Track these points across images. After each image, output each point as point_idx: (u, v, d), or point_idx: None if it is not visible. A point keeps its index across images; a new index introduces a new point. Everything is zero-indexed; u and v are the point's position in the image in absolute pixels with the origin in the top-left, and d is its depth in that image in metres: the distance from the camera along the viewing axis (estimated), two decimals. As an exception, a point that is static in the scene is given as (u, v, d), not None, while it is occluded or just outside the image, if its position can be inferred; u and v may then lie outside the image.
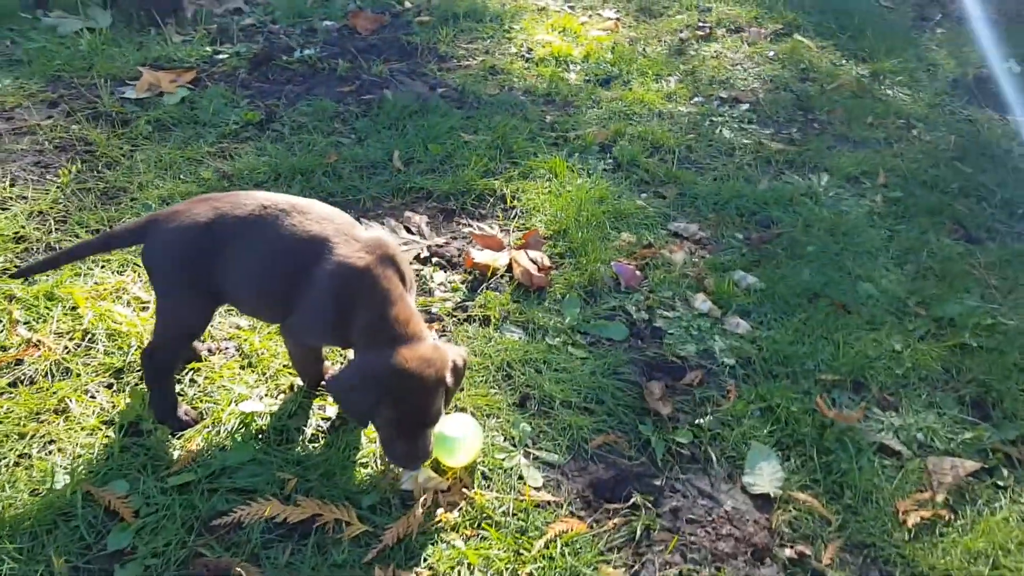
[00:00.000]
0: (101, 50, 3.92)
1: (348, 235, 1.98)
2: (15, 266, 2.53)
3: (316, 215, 2.01)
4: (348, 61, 4.16)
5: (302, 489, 1.99)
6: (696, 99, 4.18)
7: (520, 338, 2.58)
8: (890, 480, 2.21)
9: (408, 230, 3.02)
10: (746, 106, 4.15)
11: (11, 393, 2.15)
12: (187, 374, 2.27)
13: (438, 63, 4.27)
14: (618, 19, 4.99)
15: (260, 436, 2.11)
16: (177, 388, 2.17)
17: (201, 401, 2.20)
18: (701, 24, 4.91)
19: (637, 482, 2.13)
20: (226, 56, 4.05)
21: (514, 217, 3.16)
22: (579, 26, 4.76)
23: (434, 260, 2.89)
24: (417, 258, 2.88)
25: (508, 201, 3.22)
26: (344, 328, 1.92)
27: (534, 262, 2.83)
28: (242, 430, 2.11)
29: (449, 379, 1.90)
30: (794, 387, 2.48)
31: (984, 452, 2.35)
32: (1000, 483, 2.25)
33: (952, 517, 2.12)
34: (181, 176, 3.11)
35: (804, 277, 2.95)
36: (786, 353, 2.61)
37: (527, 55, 4.43)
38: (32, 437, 2.04)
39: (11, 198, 2.89)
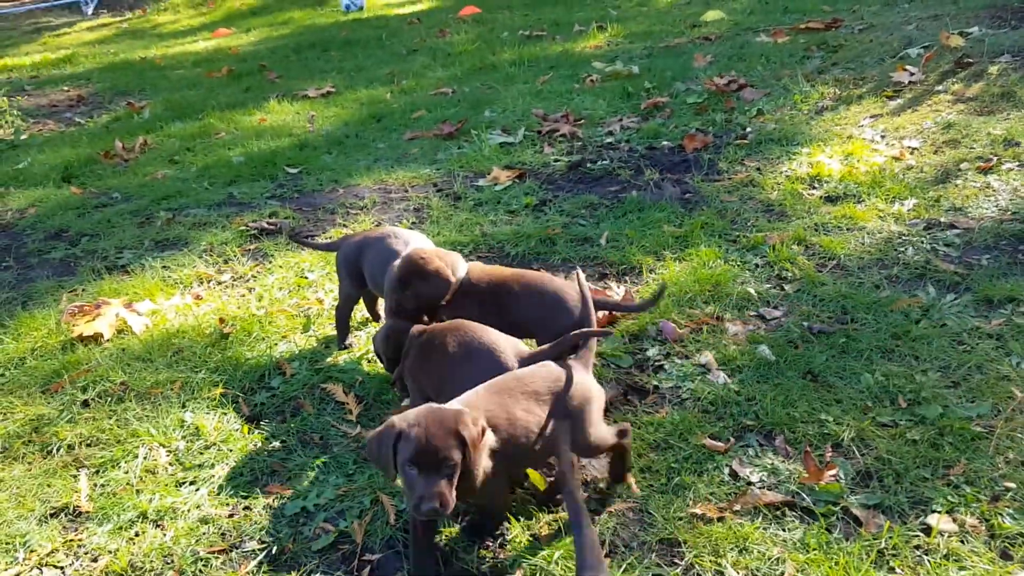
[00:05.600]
0: (489, 155, 6.00)
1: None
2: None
3: (399, 244, 3.59)
4: (633, 169, 5.53)
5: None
6: (915, 221, 4.47)
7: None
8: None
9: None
10: (956, 231, 4.31)
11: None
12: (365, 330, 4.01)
13: (706, 176, 5.35)
14: (915, 148, 5.31)
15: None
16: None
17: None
18: (991, 156, 4.97)
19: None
20: (558, 163, 5.78)
21: (644, 284, 4.21)
22: (864, 151, 5.28)
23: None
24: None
25: (645, 274, 4.28)
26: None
27: (612, 313, 3.90)
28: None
29: None
30: (717, 423, 3.15)
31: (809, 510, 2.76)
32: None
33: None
34: (464, 231, 4.90)
35: (815, 360, 3.42)
36: (729, 399, 3.25)
37: (788, 172, 5.20)
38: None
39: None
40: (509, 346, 2.92)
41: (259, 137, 7.15)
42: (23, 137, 7.93)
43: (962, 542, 2.55)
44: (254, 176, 6.21)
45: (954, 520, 2.63)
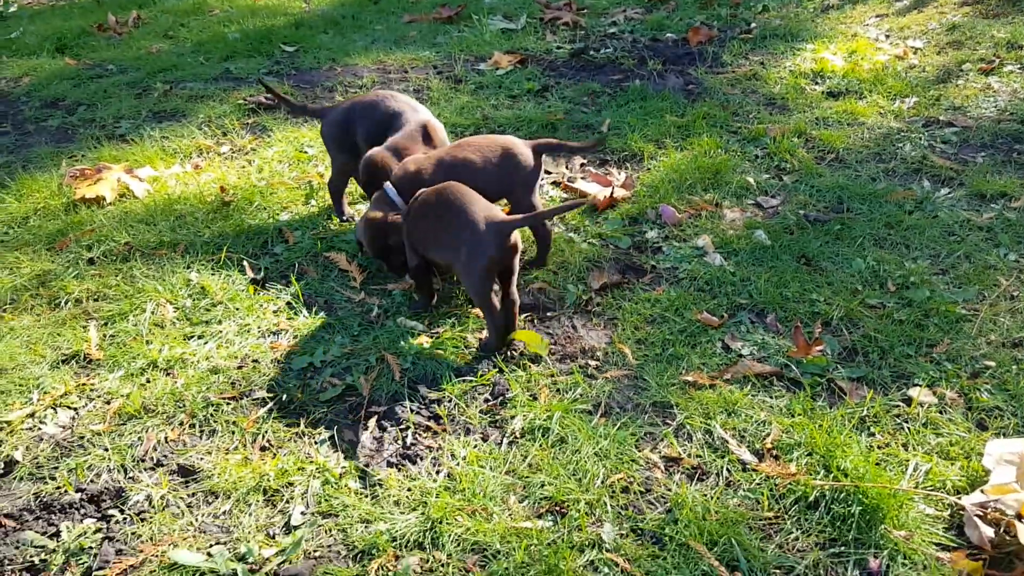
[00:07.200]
0: (491, 40, 5.92)
1: (413, 113, 3.53)
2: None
3: (400, 104, 3.59)
4: (636, 60, 5.48)
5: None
6: (914, 118, 4.50)
7: (561, 231, 3.77)
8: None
9: (566, 166, 4.35)
10: (954, 129, 4.35)
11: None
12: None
13: (709, 67, 5.32)
14: (918, 48, 5.29)
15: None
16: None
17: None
18: (994, 58, 4.96)
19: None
20: (560, 50, 5.72)
21: (645, 170, 4.24)
22: (868, 49, 5.26)
23: (563, 185, 4.17)
24: (556, 184, 4.19)
25: (646, 161, 4.30)
26: None
27: (612, 194, 3.94)
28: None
29: None
30: (711, 300, 3.24)
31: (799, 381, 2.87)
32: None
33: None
34: (465, 114, 4.88)
35: (809, 245, 3.50)
36: (724, 279, 3.34)
37: (791, 67, 5.18)
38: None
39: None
40: (482, 208, 2.94)
41: (254, 15, 7.00)
42: (12, 9, 7.73)
43: (941, 412, 2.68)
44: (250, 52, 6.11)
45: (934, 393, 2.76)
